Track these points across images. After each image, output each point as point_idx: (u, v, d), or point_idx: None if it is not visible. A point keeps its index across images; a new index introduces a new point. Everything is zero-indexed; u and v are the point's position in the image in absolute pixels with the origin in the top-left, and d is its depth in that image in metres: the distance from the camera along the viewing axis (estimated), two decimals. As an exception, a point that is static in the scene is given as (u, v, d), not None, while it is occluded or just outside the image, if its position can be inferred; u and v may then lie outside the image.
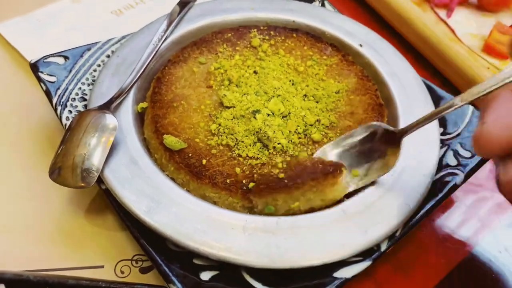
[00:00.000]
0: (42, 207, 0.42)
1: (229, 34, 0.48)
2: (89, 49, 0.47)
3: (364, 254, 0.35)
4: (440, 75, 0.57)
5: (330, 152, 0.39)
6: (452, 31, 0.57)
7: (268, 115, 0.40)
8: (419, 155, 0.40)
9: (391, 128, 0.37)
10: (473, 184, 0.47)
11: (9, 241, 0.40)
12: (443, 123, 0.45)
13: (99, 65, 0.46)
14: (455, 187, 0.40)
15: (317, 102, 0.43)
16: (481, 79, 0.52)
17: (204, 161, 0.38)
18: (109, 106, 0.41)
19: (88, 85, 0.45)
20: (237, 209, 0.37)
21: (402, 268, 0.41)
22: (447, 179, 0.40)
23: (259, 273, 0.34)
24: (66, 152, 0.37)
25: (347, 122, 0.42)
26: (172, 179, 0.39)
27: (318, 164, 0.37)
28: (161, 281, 0.36)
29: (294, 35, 0.49)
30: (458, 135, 0.44)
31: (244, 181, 0.37)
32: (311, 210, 0.37)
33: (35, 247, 0.40)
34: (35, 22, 0.56)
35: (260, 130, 0.39)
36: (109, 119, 0.39)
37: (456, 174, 0.41)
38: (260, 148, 0.39)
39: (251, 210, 0.37)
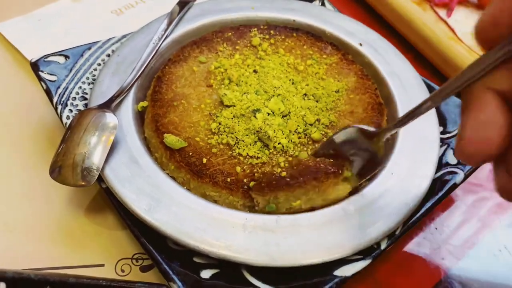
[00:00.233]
0: (42, 206, 0.42)
1: (230, 33, 0.48)
2: (89, 48, 0.47)
3: (364, 253, 0.35)
4: (440, 74, 0.57)
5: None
6: (452, 30, 0.57)
7: (269, 114, 0.41)
8: (419, 155, 0.40)
9: (370, 129, 0.35)
10: (473, 184, 0.47)
11: (10, 240, 0.40)
12: (443, 121, 0.45)
13: (99, 64, 0.46)
14: (455, 186, 0.40)
15: (317, 101, 0.43)
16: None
17: (204, 160, 0.38)
18: (110, 105, 0.41)
19: (89, 84, 0.45)
20: (237, 208, 0.37)
21: (402, 267, 0.41)
22: (446, 177, 0.40)
23: (260, 271, 0.34)
24: (67, 151, 0.38)
25: (347, 121, 0.42)
26: (173, 178, 0.39)
27: (320, 164, 0.37)
28: (161, 279, 0.36)
29: (294, 34, 0.49)
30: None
31: (244, 180, 0.37)
32: (312, 209, 0.37)
33: (36, 246, 0.40)
34: (35, 21, 0.56)
35: (261, 129, 0.39)
36: (110, 118, 0.39)
37: (456, 173, 0.41)
38: (261, 147, 0.39)
39: (252, 209, 0.37)
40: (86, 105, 0.43)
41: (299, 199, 0.37)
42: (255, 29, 0.49)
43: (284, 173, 0.37)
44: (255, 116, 0.40)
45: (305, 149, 0.39)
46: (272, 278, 0.34)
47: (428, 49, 0.57)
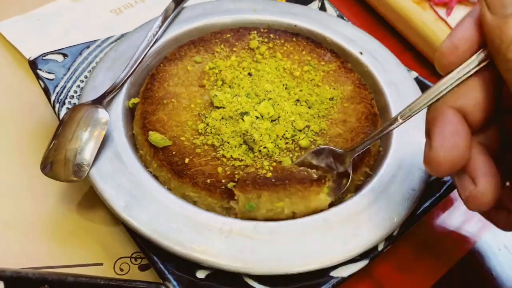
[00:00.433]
0: (42, 205, 0.42)
1: (228, 35, 0.48)
2: (88, 47, 0.47)
3: (361, 253, 0.35)
4: (439, 74, 0.57)
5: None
6: (452, 29, 0.57)
7: (257, 118, 0.40)
8: (409, 169, 0.39)
9: (338, 150, 0.38)
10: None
11: (9, 239, 0.40)
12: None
13: (97, 63, 0.46)
14: (453, 186, 0.40)
15: (309, 107, 0.42)
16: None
17: (187, 160, 0.38)
18: (102, 100, 0.41)
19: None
20: (216, 210, 0.37)
21: (401, 267, 0.41)
22: (444, 178, 0.40)
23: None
24: (59, 146, 0.38)
25: (338, 129, 0.41)
26: (155, 176, 0.38)
27: (304, 172, 0.37)
28: (160, 278, 0.36)
29: (294, 39, 0.48)
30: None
31: (223, 181, 0.37)
32: (293, 215, 0.37)
33: (35, 244, 0.40)
34: (35, 21, 0.56)
35: (247, 132, 0.39)
36: (101, 114, 0.39)
37: (454, 173, 0.40)
38: (246, 150, 0.39)
39: (229, 211, 0.37)
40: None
41: (282, 200, 0.36)
42: (255, 32, 0.48)
43: (269, 174, 0.37)
44: (242, 119, 0.40)
45: (291, 155, 0.39)
46: (269, 279, 0.34)
47: (428, 48, 0.57)
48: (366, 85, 0.46)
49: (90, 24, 0.57)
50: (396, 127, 0.33)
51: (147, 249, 0.35)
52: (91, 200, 0.42)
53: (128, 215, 0.35)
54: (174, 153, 0.38)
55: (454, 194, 0.45)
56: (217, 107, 0.41)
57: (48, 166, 0.37)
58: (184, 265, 0.34)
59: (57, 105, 0.42)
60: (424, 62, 0.58)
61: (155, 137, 0.38)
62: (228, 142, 0.39)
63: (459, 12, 0.60)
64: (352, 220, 0.36)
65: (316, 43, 0.48)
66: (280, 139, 0.39)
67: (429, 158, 0.29)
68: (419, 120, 0.42)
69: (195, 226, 0.35)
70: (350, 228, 0.35)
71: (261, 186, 0.36)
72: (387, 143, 0.42)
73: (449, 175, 0.31)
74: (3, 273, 0.32)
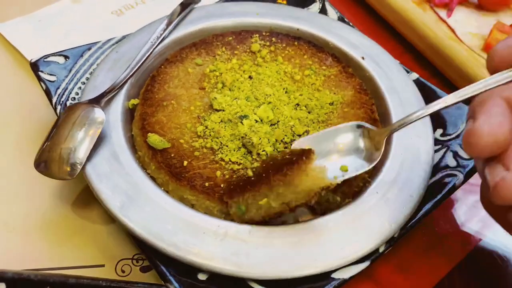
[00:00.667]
0: (43, 207, 0.42)
1: (230, 38, 0.48)
2: (89, 49, 0.47)
3: (357, 259, 0.35)
4: (440, 74, 0.57)
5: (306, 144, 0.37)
6: (452, 30, 0.57)
7: (256, 121, 0.40)
8: (409, 174, 0.39)
9: (374, 128, 0.37)
10: (474, 185, 0.47)
11: (10, 240, 0.40)
12: (443, 124, 0.45)
13: (99, 64, 0.46)
14: (454, 188, 0.40)
15: (309, 112, 0.42)
16: (482, 78, 0.52)
17: (185, 163, 0.38)
18: (99, 100, 0.41)
19: (89, 85, 0.45)
20: (214, 213, 0.37)
21: (402, 268, 0.41)
22: (446, 180, 0.40)
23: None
24: (54, 144, 0.38)
25: None
26: (153, 178, 0.39)
27: (287, 155, 0.35)
28: (161, 280, 0.36)
29: (296, 43, 0.48)
30: (457, 136, 0.43)
31: (222, 185, 0.37)
32: (287, 206, 0.34)
33: (37, 246, 0.40)
34: (36, 22, 0.57)
35: (245, 135, 0.39)
36: (98, 113, 0.39)
37: (455, 175, 0.40)
38: (244, 154, 0.39)
39: (228, 216, 0.37)
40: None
41: (266, 196, 0.34)
42: (257, 35, 0.48)
43: (250, 173, 0.36)
44: (242, 122, 0.40)
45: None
46: (270, 281, 0.34)
47: (428, 49, 0.57)
48: (367, 90, 0.46)
49: (91, 25, 0.57)
50: (445, 107, 0.33)
51: (148, 251, 0.35)
52: (90, 199, 0.42)
53: (123, 215, 0.35)
54: (172, 155, 0.38)
55: (455, 195, 0.45)
56: (217, 110, 0.41)
57: (43, 164, 0.37)
58: (185, 267, 0.34)
59: (58, 107, 0.42)
60: (424, 63, 0.58)
61: (154, 139, 0.38)
62: (227, 146, 0.39)
63: (460, 14, 0.60)
64: (349, 225, 0.36)
65: (317, 47, 0.48)
66: (279, 143, 0.39)
67: (471, 132, 0.28)
68: (419, 127, 0.43)
69: (191, 228, 0.35)
70: (347, 234, 0.35)
71: (243, 188, 0.35)
72: (386, 149, 0.41)
73: (482, 156, 0.29)
74: (4, 274, 0.32)
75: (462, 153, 0.42)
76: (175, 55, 0.46)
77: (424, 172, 0.40)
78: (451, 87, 0.55)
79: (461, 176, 0.40)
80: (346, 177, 0.35)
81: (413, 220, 0.38)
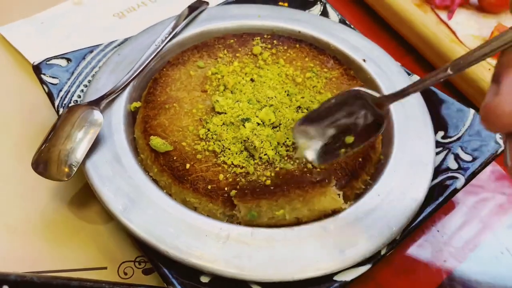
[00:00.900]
0: (44, 208, 0.42)
1: (232, 40, 0.48)
2: (91, 52, 0.47)
3: (358, 262, 0.35)
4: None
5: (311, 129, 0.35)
6: (453, 32, 0.57)
7: (258, 124, 0.40)
8: (410, 178, 0.39)
9: (376, 94, 0.33)
10: (474, 186, 0.47)
11: (13, 242, 0.40)
12: (444, 126, 0.45)
13: (101, 66, 0.46)
14: (455, 191, 0.40)
15: None
16: (483, 81, 0.52)
17: (188, 166, 0.38)
18: (99, 102, 0.41)
19: (91, 87, 0.45)
20: (217, 216, 0.37)
21: (404, 270, 0.41)
22: (447, 182, 0.40)
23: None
24: (52, 145, 0.38)
25: None
26: (155, 181, 0.39)
27: (306, 173, 0.37)
28: (163, 282, 0.37)
29: (297, 45, 0.48)
30: (459, 138, 0.43)
31: (226, 189, 0.37)
32: (297, 220, 0.37)
33: (39, 248, 0.40)
34: (38, 24, 0.57)
35: (248, 139, 0.39)
36: (96, 115, 0.39)
37: (456, 178, 0.40)
38: (246, 157, 0.39)
39: (231, 219, 0.37)
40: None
41: (282, 208, 0.36)
42: (258, 38, 0.48)
43: (268, 181, 0.37)
44: (244, 125, 0.40)
45: (292, 162, 0.38)
46: (273, 284, 0.34)
47: (429, 51, 0.57)
48: (369, 92, 0.46)
49: (93, 28, 0.57)
50: (444, 78, 0.28)
51: (150, 253, 0.35)
52: (89, 198, 0.42)
53: (125, 218, 0.35)
54: (175, 158, 0.38)
55: (456, 198, 0.45)
56: (219, 113, 0.41)
57: (41, 165, 0.37)
58: (188, 270, 0.34)
59: (61, 110, 0.43)
60: (425, 65, 0.58)
61: (156, 141, 0.39)
62: (229, 149, 0.39)
63: (461, 16, 0.60)
64: (350, 228, 0.36)
65: (319, 49, 0.48)
66: (281, 146, 0.39)
67: (492, 105, 0.24)
68: (420, 129, 0.43)
69: (193, 231, 0.35)
70: (348, 236, 0.35)
71: (260, 195, 0.36)
72: (388, 151, 0.42)
73: (505, 131, 0.25)
74: (7, 277, 0.32)
75: (463, 155, 0.42)
76: (177, 58, 0.46)
77: (425, 174, 0.40)
78: (452, 89, 0.55)
79: (462, 179, 0.40)
80: (356, 149, 0.33)
81: (415, 223, 0.38)
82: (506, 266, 0.42)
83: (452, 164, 0.42)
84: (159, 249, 0.34)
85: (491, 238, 0.43)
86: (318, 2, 0.56)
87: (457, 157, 0.42)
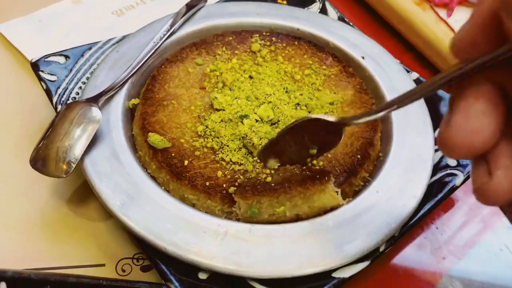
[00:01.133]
0: (44, 206, 0.42)
1: (230, 38, 0.48)
2: (89, 49, 0.47)
3: (357, 258, 0.35)
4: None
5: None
6: (452, 30, 0.57)
7: (257, 121, 0.40)
8: (409, 174, 0.39)
9: (330, 118, 0.32)
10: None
11: (10, 240, 0.40)
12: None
13: (99, 63, 0.46)
14: (454, 188, 0.40)
15: (309, 112, 0.42)
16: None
17: (186, 162, 0.38)
18: (97, 99, 0.41)
19: (89, 84, 0.45)
20: (215, 213, 0.37)
21: (402, 268, 0.41)
22: (446, 179, 0.40)
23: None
24: (50, 142, 0.38)
25: None
26: (154, 177, 0.39)
27: (306, 171, 0.37)
28: (162, 279, 0.36)
29: (296, 42, 0.48)
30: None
31: (224, 185, 0.37)
32: (297, 217, 0.37)
33: (37, 245, 0.40)
34: (36, 22, 0.57)
35: (246, 136, 0.39)
36: (95, 112, 0.39)
37: (455, 174, 0.40)
38: (245, 154, 0.38)
39: (230, 215, 0.37)
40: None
41: (283, 205, 0.36)
42: (257, 35, 0.48)
43: (269, 178, 0.36)
44: (242, 122, 0.40)
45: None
46: (270, 281, 0.34)
47: (428, 49, 0.57)
48: (367, 90, 0.45)
49: (91, 26, 0.57)
50: (378, 117, 0.28)
51: (148, 250, 0.35)
52: (88, 195, 0.42)
53: (123, 215, 0.35)
54: (173, 155, 0.38)
55: (455, 195, 0.45)
56: (217, 110, 0.41)
57: (39, 162, 0.37)
58: (186, 266, 0.34)
59: (59, 107, 0.43)
60: (424, 63, 0.58)
61: (155, 138, 0.38)
62: (228, 145, 0.39)
63: (460, 13, 0.60)
64: (349, 225, 0.36)
65: (318, 47, 0.48)
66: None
67: (444, 137, 0.24)
68: (419, 126, 0.43)
69: (191, 227, 0.35)
70: (347, 233, 0.35)
71: (260, 192, 0.35)
72: (386, 148, 0.42)
73: (460, 159, 0.26)
74: (4, 273, 0.32)
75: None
76: (175, 55, 0.46)
77: (424, 171, 0.40)
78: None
79: (461, 176, 0.40)
80: (320, 156, 0.35)
81: (414, 220, 0.38)
82: (505, 263, 0.42)
83: (451, 161, 0.42)
84: (158, 245, 0.34)
85: (490, 236, 0.43)
86: (317, 0, 0.56)
87: (456, 154, 0.42)
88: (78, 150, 0.37)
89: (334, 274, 0.34)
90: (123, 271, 0.39)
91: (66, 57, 0.46)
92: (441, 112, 0.46)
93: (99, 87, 0.42)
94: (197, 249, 0.34)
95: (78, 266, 0.39)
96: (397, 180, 0.39)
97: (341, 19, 0.54)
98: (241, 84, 0.43)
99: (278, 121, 0.41)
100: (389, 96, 0.45)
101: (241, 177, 0.37)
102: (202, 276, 0.34)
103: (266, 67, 0.45)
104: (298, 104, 0.43)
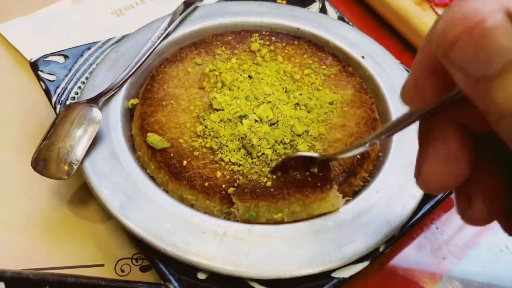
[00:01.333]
0: (43, 206, 0.42)
1: (230, 37, 0.48)
2: (89, 48, 0.47)
3: (356, 259, 0.35)
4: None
5: None
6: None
7: (256, 121, 0.40)
8: (409, 174, 0.37)
9: (314, 155, 0.36)
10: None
11: (9, 240, 0.40)
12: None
13: (98, 63, 0.46)
14: None
15: (308, 112, 0.42)
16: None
17: (185, 162, 0.38)
18: (97, 100, 0.41)
19: (88, 84, 0.45)
20: (214, 213, 0.37)
21: (402, 268, 0.41)
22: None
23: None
24: (51, 143, 0.38)
25: (337, 134, 0.41)
26: (152, 178, 0.38)
27: (308, 177, 0.36)
28: (161, 279, 0.36)
29: (296, 42, 0.48)
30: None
31: (223, 186, 0.36)
32: (294, 223, 0.36)
33: (36, 245, 0.40)
34: (36, 22, 0.57)
35: (245, 136, 0.38)
36: (95, 113, 0.39)
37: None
38: (244, 154, 0.38)
39: (228, 216, 0.37)
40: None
41: (281, 211, 0.36)
42: (257, 34, 0.48)
43: (269, 183, 0.36)
44: (241, 122, 0.39)
45: None
46: (270, 280, 0.34)
47: (428, 49, 0.57)
48: (367, 89, 0.45)
49: (91, 26, 0.57)
50: (372, 147, 0.32)
51: (147, 250, 0.35)
52: (88, 196, 0.42)
53: (122, 215, 0.35)
54: (172, 155, 0.38)
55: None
56: (216, 110, 0.41)
57: (40, 163, 0.37)
58: (185, 267, 0.34)
59: (58, 106, 0.42)
60: (424, 62, 0.58)
61: (153, 138, 0.38)
62: (227, 146, 0.39)
63: (460, 13, 0.59)
64: (348, 225, 0.36)
65: (317, 46, 0.48)
66: (279, 145, 0.39)
67: (419, 182, 0.25)
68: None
69: (190, 227, 0.35)
70: (346, 233, 0.35)
71: (259, 196, 0.35)
72: (386, 148, 0.42)
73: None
74: (3, 273, 0.32)
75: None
76: (174, 55, 0.46)
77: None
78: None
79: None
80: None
81: (414, 220, 0.37)
82: (505, 264, 0.41)
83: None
84: (157, 246, 0.34)
85: (491, 236, 0.43)
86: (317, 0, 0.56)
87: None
88: (79, 151, 0.37)
89: (333, 274, 0.34)
90: (122, 271, 0.39)
91: (65, 57, 0.46)
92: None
93: (98, 87, 0.42)
94: (196, 249, 0.33)
95: (77, 266, 0.39)
96: (397, 180, 0.39)
97: (340, 18, 0.54)
98: (240, 84, 0.43)
99: (278, 121, 0.41)
100: (388, 95, 0.45)
101: (241, 178, 0.37)
102: (201, 276, 0.34)
103: (266, 66, 0.45)
104: (297, 104, 0.43)
